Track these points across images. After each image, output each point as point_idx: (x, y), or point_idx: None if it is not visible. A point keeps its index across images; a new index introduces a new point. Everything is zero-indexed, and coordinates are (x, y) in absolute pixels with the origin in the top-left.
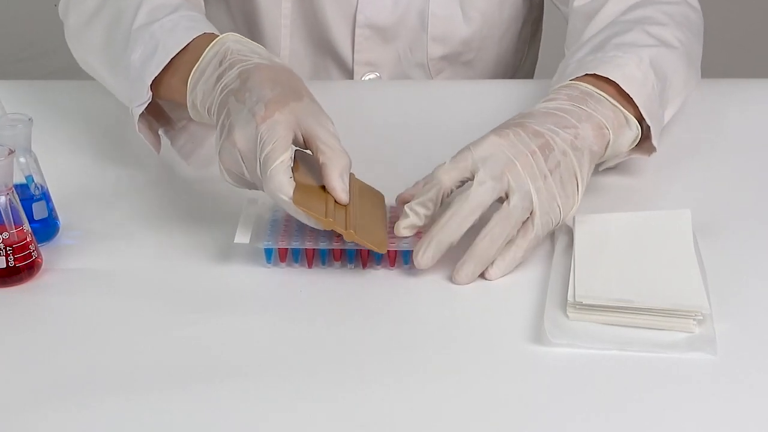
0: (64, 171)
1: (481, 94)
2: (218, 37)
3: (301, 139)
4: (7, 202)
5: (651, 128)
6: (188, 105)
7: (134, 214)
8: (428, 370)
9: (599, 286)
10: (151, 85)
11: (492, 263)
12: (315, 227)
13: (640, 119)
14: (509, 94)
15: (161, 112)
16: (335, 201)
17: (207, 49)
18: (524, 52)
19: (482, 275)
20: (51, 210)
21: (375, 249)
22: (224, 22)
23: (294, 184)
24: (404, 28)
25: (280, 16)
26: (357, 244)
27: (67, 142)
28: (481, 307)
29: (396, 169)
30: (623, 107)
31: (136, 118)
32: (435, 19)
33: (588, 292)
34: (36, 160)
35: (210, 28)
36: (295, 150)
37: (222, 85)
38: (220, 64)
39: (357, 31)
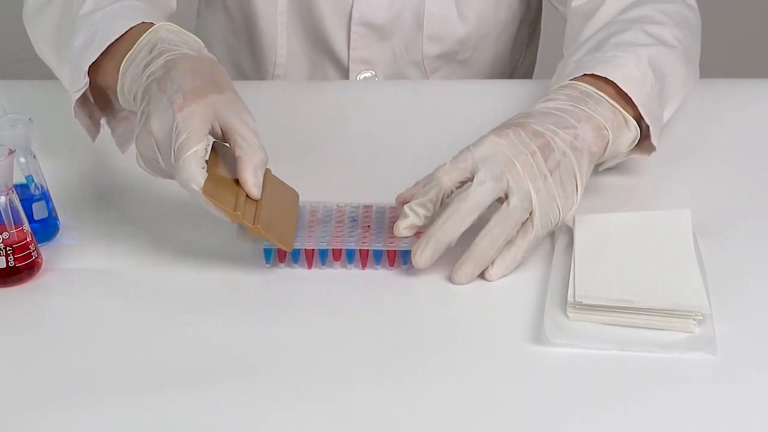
0: (64, 171)
1: (480, 94)
2: (154, 26)
3: (220, 132)
4: (7, 202)
5: (650, 128)
6: (117, 90)
7: (134, 214)
8: (428, 370)
9: (599, 286)
10: (91, 72)
11: (492, 264)
12: (224, 220)
13: (640, 118)
14: (508, 94)
15: (108, 101)
16: (247, 195)
17: (142, 37)
18: (522, 53)
19: (482, 276)
20: (51, 210)
21: (280, 246)
22: (222, 21)
23: (206, 174)
24: (399, 26)
25: (276, 14)
26: (359, 242)
27: (67, 142)
28: (481, 307)
29: (394, 170)
30: (622, 108)
31: (73, 103)
32: (430, 18)
33: (588, 292)
34: (36, 160)
35: (151, 18)
36: (215, 142)
37: (148, 72)
38: (150, 52)
39: (352, 28)
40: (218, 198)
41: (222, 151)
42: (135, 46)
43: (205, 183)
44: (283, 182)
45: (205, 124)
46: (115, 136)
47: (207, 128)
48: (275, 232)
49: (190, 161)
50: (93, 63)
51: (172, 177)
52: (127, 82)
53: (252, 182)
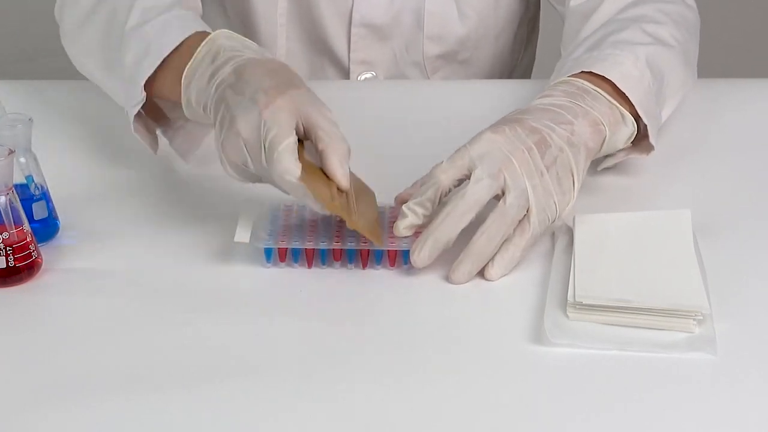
0: (64, 171)
1: (479, 93)
2: (210, 35)
3: (302, 128)
4: (7, 202)
5: (648, 126)
6: (183, 103)
7: (134, 214)
8: (428, 370)
9: (599, 286)
10: (145, 85)
11: (492, 263)
12: (320, 212)
13: (637, 117)
14: (506, 93)
15: (160, 112)
16: (337, 188)
17: (200, 47)
18: (521, 52)
19: (482, 275)
20: (51, 210)
21: (374, 241)
22: (220, 23)
23: (300, 166)
24: (400, 26)
25: (276, 15)
26: (359, 242)
27: (67, 142)
28: (481, 307)
29: (393, 169)
30: (619, 104)
31: (131, 118)
32: (430, 18)
33: (588, 292)
34: (36, 160)
35: (202, 27)
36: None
37: (217, 81)
38: (213, 60)
39: (352, 29)
40: (315, 189)
41: (306, 148)
42: (194, 57)
43: (302, 175)
44: (362, 181)
45: (292, 118)
46: (174, 147)
47: (294, 122)
48: (367, 226)
49: (284, 154)
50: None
51: (261, 180)
52: (193, 94)
53: (340, 173)
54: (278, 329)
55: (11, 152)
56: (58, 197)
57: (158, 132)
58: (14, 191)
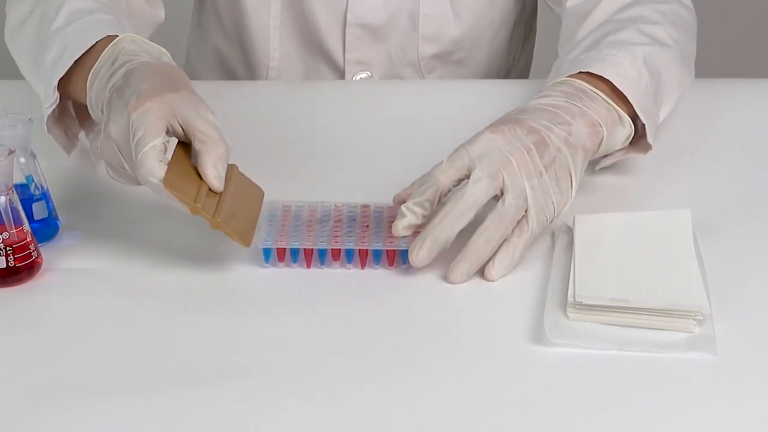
0: (64, 171)
1: (477, 93)
2: (116, 39)
3: (180, 130)
4: (7, 202)
5: (646, 126)
6: (88, 105)
7: (134, 214)
8: (427, 370)
9: (599, 286)
10: (63, 87)
11: (492, 264)
12: (184, 212)
13: (635, 117)
14: (503, 93)
15: (87, 114)
16: (209, 189)
17: (104, 50)
18: (517, 53)
19: (482, 276)
20: (51, 210)
21: (238, 241)
22: (214, 26)
23: (165, 168)
24: (395, 27)
25: (269, 17)
26: (357, 242)
27: None
28: (481, 307)
29: (391, 169)
30: (617, 105)
31: (45, 119)
32: (425, 19)
33: (588, 292)
34: (36, 160)
35: (120, 30)
36: (182, 142)
37: (111, 84)
38: (113, 64)
39: (347, 30)
40: (179, 190)
41: (190, 150)
42: (99, 59)
43: (166, 175)
44: (250, 179)
45: (160, 120)
46: (92, 149)
47: (163, 125)
48: (236, 226)
49: (148, 156)
50: (66, 77)
51: (140, 183)
52: (93, 96)
53: (212, 174)
54: (277, 329)
55: (11, 152)
56: (58, 197)
57: (82, 134)
58: (14, 191)
